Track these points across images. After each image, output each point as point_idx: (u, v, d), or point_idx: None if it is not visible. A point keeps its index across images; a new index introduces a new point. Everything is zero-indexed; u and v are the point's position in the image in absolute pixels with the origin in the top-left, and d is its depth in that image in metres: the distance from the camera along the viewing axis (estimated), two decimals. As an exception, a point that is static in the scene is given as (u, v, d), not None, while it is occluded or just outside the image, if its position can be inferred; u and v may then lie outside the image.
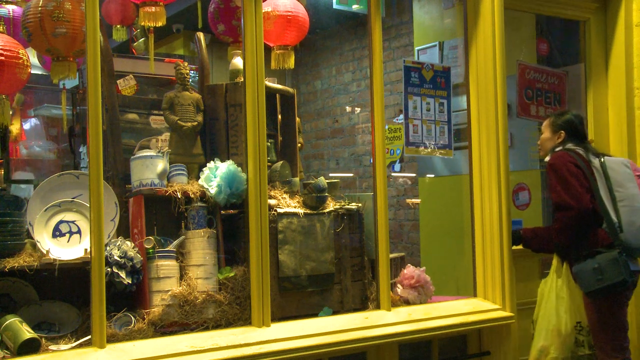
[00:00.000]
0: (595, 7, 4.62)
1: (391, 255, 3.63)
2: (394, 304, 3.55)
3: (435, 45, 4.97)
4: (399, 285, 3.69)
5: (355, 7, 4.38)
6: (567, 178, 3.45)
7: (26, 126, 4.77)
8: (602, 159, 3.61)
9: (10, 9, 3.70)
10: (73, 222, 2.95)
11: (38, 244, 2.88)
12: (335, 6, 4.33)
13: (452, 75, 4.06)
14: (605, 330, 3.43)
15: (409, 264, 3.80)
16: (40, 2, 3.09)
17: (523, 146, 4.61)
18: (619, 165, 3.61)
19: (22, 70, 3.08)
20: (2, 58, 2.98)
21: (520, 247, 3.84)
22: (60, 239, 2.91)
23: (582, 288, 3.42)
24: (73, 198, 3.00)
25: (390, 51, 6.43)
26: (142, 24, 3.25)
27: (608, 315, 3.44)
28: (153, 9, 3.20)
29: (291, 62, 3.80)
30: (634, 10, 4.51)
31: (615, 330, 3.44)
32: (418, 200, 5.33)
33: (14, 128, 4.07)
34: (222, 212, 3.32)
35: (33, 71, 3.40)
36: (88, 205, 2.80)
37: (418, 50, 5.10)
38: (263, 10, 3.28)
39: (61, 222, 2.93)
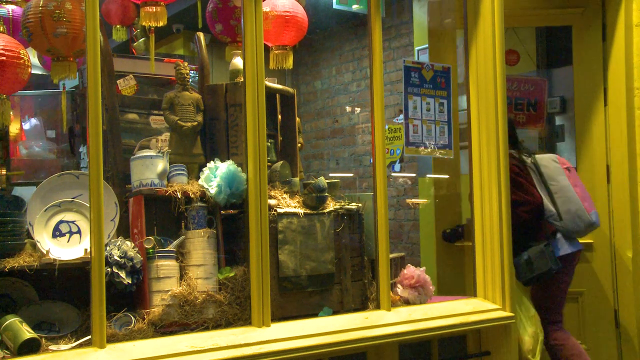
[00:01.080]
0: (596, 7, 4.62)
1: (391, 255, 3.63)
2: (394, 304, 3.55)
3: (435, 46, 4.97)
4: (399, 285, 3.69)
5: (355, 7, 4.39)
6: (515, 178, 3.97)
7: (26, 126, 4.77)
8: (534, 158, 4.16)
9: (10, 9, 3.70)
10: (73, 222, 2.96)
11: (38, 244, 2.88)
12: (335, 6, 4.34)
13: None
14: (544, 307, 4.09)
15: (409, 264, 3.80)
16: (41, 2, 3.09)
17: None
18: (548, 162, 4.17)
19: (23, 70, 3.08)
20: (4, 58, 2.99)
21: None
22: (60, 239, 2.91)
23: (518, 278, 3.97)
24: (73, 198, 3.00)
25: (390, 51, 6.44)
26: (143, 24, 3.25)
27: (544, 296, 4.11)
28: (154, 9, 3.20)
29: (290, 63, 3.80)
30: (634, 10, 4.51)
31: (552, 307, 4.12)
32: (421, 201, 5.33)
33: (14, 128, 4.07)
34: (222, 212, 3.32)
35: (33, 71, 3.40)
36: (88, 205, 2.80)
37: (418, 50, 5.10)
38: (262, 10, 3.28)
39: (61, 222, 2.93)
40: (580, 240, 4.23)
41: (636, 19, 4.52)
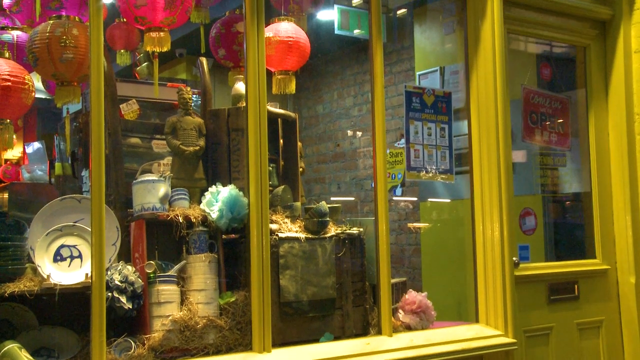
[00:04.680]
0: (595, 33, 4.66)
1: (393, 280, 3.62)
2: (396, 329, 3.53)
3: (436, 70, 5.01)
4: (400, 311, 3.67)
5: (356, 32, 4.42)
6: None
7: (29, 150, 4.79)
8: None
9: (15, 34, 3.73)
10: (74, 246, 2.95)
11: (39, 269, 2.87)
12: (337, 31, 4.37)
13: (453, 100, 4.08)
14: None
15: (410, 289, 3.79)
16: (48, 28, 3.12)
17: (527, 171, 4.62)
18: None
19: (27, 95, 3.10)
20: (9, 83, 3.01)
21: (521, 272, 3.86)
22: (61, 264, 2.91)
23: None
24: (75, 222, 3.00)
25: (392, 76, 6.48)
26: (147, 49, 3.27)
27: None
28: (158, 34, 3.23)
29: (292, 87, 3.82)
30: (633, 37, 4.55)
31: None
32: (422, 225, 5.33)
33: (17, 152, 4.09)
34: (224, 236, 3.32)
35: (37, 95, 3.42)
36: (90, 229, 2.80)
37: (419, 75, 5.13)
38: (265, 36, 3.31)
39: (62, 246, 2.93)
40: (596, 267, 4.12)
41: (635, 45, 4.56)
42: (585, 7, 4.59)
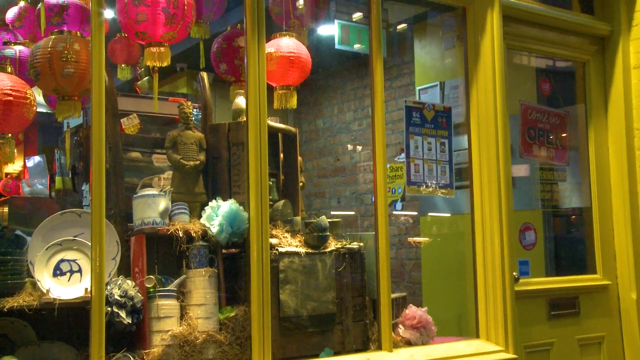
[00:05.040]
0: (595, 49, 4.68)
1: (393, 295, 3.61)
2: (396, 344, 3.52)
3: (436, 85, 5.03)
4: (400, 326, 3.66)
5: (357, 46, 4.44)
6: None
7: (29, 164, 4.80)
8: None
9: (17, 49, 3.75)
10: (74, 260, 2.94)
11: (38, 283, 2.86)
12: (337, 46, 4.38)
13: (453, 114, 4.10)
14: None
15: (410, 304, 3.78)
16: (50, 43, 3.14)
17: (527, 185, 4.62)
18: None
19: (29, 109, 3.11)
20: (11, 98, 3.02)
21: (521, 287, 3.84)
22: (61, 278, 2.90)
23: None
24: (75, 236, 2.99)
25: (392, 90, 6.50)
26: (147, 64, 3.28)
27: None
28: (158, 49, 3.24)
29: (293, 102, 3.83)
30: (631, 53, 4.57)
31: None
32: (422, 239, 5.32)
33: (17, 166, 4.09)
34: (224, 251, 3.32)
35: (37, 109, 3.43)
36: (89, 244, 2.80)
37: (419, 90, 5.15)
38: (266, 51, 3.33)
39: (62, 260, 2.92)
40: (596, 282, 4.11)
41: (634, 61, 4.58)
42: (584, 24, 4.62)
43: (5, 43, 3.88)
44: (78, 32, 3.29)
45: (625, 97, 4.55)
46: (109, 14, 3.44)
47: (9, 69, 3.17)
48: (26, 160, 4.76)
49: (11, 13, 4.03)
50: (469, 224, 4.02)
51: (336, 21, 4.28)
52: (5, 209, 3.65)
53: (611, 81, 4.64)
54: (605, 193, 4.61)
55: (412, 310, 3.69)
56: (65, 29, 3.34)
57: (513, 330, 3.72)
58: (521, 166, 4.48)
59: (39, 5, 3.54)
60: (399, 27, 5.42)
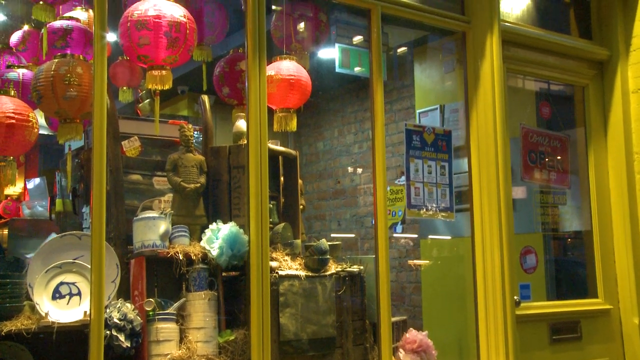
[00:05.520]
0: (594, 73, 4.71)
1: (393, 319, 3.59)
2: (396, 369, 3.49)
3: (436, 108, 5.04)
4: (401, 350, 3.63)
5: (357, 69, 4.46)
6: None
7: (29, 185, 4.80)
8: None
9: (21, 72, 3.77)
10: (73, 283, 2.93)
11: (37, 306, 2.85)
12: (337, 69, 4.41)
13: (453, 137, 4.11)
14: None
15: (411, 328, 3.75)
16: (53, 66, 3.16)
17: (527, 209, 4.62)
18: None
19: (30, 132, 3.13)
20: (13, 121, 3.04)
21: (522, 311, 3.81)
22: (60, 301, 2.89)
23: None
24: (74, 259, 2.99)
25: (392, 113, 6.52)
26: (149, 87, 3.30)
27: None
28: (160, 72, 3.26)
29: (293, 125, 3.84)
30: (630, 77, 4.60)
31: None
32: (423, 262, 5.30)
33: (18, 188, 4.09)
34: (224, 274, 3.31)
35: (39, 131, 3.44)
36: (89, 266, 2.79)
37: (419, 113, 5.16)
38: (267, 74, 3.35)
39: (61, 283, 2.91)
40: (598, 307, 4.07)
41: (632, 85, 4.61)
42: (583, 48, 4.66)
43: (8, 66, 3.91)
44: (81, 56, 3.32)
45: (624, 121, 4.57)
46: (111, 37, 3.47)
47: (12, 92, 3.19)
48: (27, 182, 4.76)
49: (15, 37, 4.06)
50: (470, 247, 4.02)
51: (337, 45, 4.30)
52: (5, 231, 3.65)
53: (610, 105, 4.67)
54: (605, 216, 4.60)
55: (412, 334, 3.67)
56: (68, 52, 3.37)
57: (514, 355, 3.69)
58: (518, 188, 4.48)
59: (43, 29, 3.57)
60: (399, 50, 5.45)
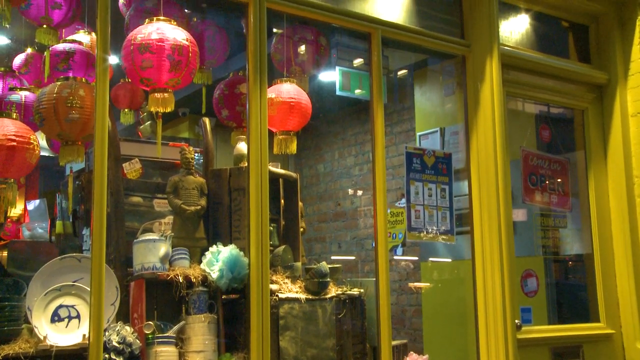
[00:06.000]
0: (593, 97, 4.73)
1: (393, 342, 3.57)
2: (397, 393, 3.47)
3: (436, 131, 5.05)
4: (402, 374, 3.61)
5: (357, 91, 4.49)
6: None
7: (30, 206, 4.79)
8: None
9: (23, 95, 3.79)
10: (72, 306, 2.92)
11: (35, 329, 2.83)
12: (338, 92, 4.44)
13: (454, 160, 4.11)
14: None
15: (411, 352, 3.73)
16: (56, 89, 3.18)
17: (528, 232, 4.61)
18: None
19: (31, 154, 3.13)
20: (14, 144, 3.04)
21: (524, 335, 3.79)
22: (59, 324, 2.87)
23: None
24: (74, 281, 2.98)
25: (392, 136, 6.54)
26: (151, 109, 3.32)
27: None
28: (162, 95, 3.27)
29: (293, 148, 3.85)
30: (629, 101, 4.63)
31: None
32: (423, 285, 5.28)
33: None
34: (224, 296, 3.29)
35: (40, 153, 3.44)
36: (89, 289, 2.78)
37: (420, 136, 5.18)
38: (267, 97, 3.36)
39: (60, 306, 2.90)
40: (600, 331, 4.04)
41: (631, 109, 4.63)
42: (582, 72, 4.68)
43: (11, 89, 3.93)
44: (83, 78, 3.33)
45: (624, 144, 4.58)
46: (113, 59, 3.49)
47: (14, 115, 3.20)
48: (27, 204, 4.76)
49: (18, 60, 4.10)
50: (470, 269, 4.00)
51: (337, 67, 4.33)
52: (5, 253, 3.63)
53: (610, 129, 4.68)
54: (606, 240, 4.59)
55: (413, 358, 3.64)
56: (70, 74, 3.39)
57: (516, 379, 3.67)
58: (519, 211, 4.48)
59: (46, 51, 3.60)
60: (399, 73, 5.48)
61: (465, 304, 4.29)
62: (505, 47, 4.28)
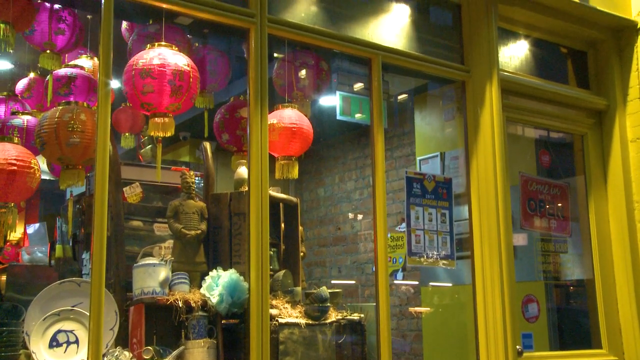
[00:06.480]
0: (592, 122, 4.75)
1: (394, 368, 3.54)
2: (398, 420, 3.43)
3: (436, 156, 5.06)
4: (402, 401, 3.58)
5: (358, 116, 4.51)
6: None
7: (29, 230, 4.78)
8: None
9: (25, 119, 3.81)
10: (71, 331, 2.90)
11: (33, 355, 2.81)
12: (338, 117, 4.46)
13: (454, 185, 4.12)
14: None
15: (412, 378, 3.70)
16: (57, 114, 3.20)
17: (529, 257, 4.60)
18: None
19: (32, 179, 3.14)
20: (15, 168, 3.05)
21: None
22: (57, 350, 2.85)
23: None
24: (73, 306, 2.96)
25: (393, 160, 6.55)
26: (152, 134, 3.33)
27: None
28: (163, 119, 3.29)
29: (295, 173, 3.86)
30: (628, 127, 4.65)
31: None
32: (424, 309, 5.25)
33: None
34: (223, 321, 3.27)
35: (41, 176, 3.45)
36: (88, 313, 2.76)
37: (420, 160, 5.19)
38: (268, 122, 3.38)
39: (59, 331, 2.88)
40: (602, 358, 4.00)
41: (631, 135, 4.65)
42: (581, 98, 4.71)
43: (13, 113, 3.95)
44: (85, 103, 3.35)
45: (624, 169, 4.59)
46: (114, 84, 3.51)
47: (16, 140, 3.22)
48: (27, 227, 4.75)
49: (21, 84, 4.13)
50: (471, 294, 3.98)
51: (338, 92, 4.35)
52: (3, 277, 3.62)
53: (609, 154, 4.69)
54: (607, 265, 4.58)
55: (414, 385, 3.61)
56: (72, 99, 3.41)
57: (518, 406, 3.63)
58: (519, 235, 4.48)
59: (48, 76, 3.62)
60: (399, 97, 5.51)
61: (466, 329, 4.27)
62: (505, 73, 4.31)
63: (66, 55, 3.95)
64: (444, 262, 3.92)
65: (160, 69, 3.16)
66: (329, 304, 3.44)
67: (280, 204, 3.78)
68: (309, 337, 3.30)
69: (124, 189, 3.69)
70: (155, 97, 3.18)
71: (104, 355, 2.83)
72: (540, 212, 4.53)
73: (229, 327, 3.33)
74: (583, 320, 4.84)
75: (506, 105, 4.22)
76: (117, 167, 3.42)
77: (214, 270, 3.30)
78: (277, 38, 3.59)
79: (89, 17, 3.88)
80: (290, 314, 3.33)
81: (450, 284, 4.86)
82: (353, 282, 6.80)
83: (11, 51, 3.20)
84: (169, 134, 3.34)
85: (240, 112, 4.00)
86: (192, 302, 3.15)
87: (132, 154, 4.91)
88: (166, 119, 3.29)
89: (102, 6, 2.92)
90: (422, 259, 3.85)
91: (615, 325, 4.49)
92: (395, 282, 6.10)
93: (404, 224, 4.13)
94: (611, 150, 4.68)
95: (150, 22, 3.67)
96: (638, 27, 4.72)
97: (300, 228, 3.91)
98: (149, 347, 3.01)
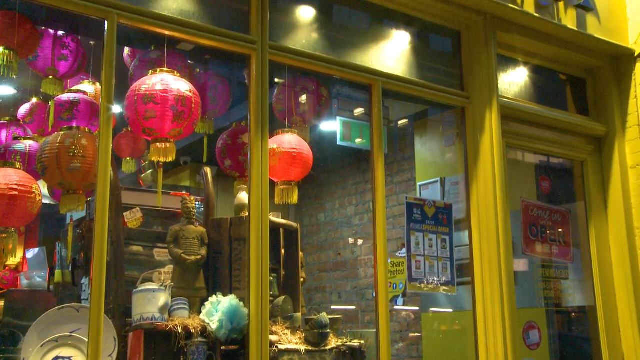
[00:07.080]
0: (592, 148, 4.77)
1: (395, 396, 3.51)
2: None
3: (437, 181, 5.07)
4: None
5: (358, 141, 4.53)
6: None
7: (29, 255, 4.77)
8: None
9: (27, 144, 3.83)
10: (69, 358, 2.88)
11: (30, 382, 2.79)
12: (338, 142, 4.47)
13: (454, 210, 4.11)
14: None
15: (413, 406, 3.67)
16: (59, 139, 3.21)
17: (529, 283, 4.58)
18: None
19: (33, 204, 3.14)
20: (16, 193, 3.06)
21: None
22: (55, 376, 2.83)
23: None
24: (72, 332, 2.94)
25: (393, 186, 6.55)
26: (153, 159, 3.34)
27: None
28: (164, 145, 3.30)
29: (295, 198, 3.86)
30: (628, 153, 4.66)
31: None
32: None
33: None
34: (223, 347, 3.25)
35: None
36: (86, 340, 2.74)
37: (420, 186, 5.19)
38: (269, 147, 3.39)
39: (57, 358, 2.85)
40: None
41: (630, 161, 4.66)
42: (580, 124, 4.73)
43: (15, 138, 3.96)
44: (86, 128, 3.37)
45: (624, 196, 4.59)
46: (115, 109, 3.53)
47: (18, 165, 3.23)
48: (26, 252, 4.74)
49: (23, 109, 4.15)
50: (471, 321, 3.96)
51: (338, 118, 4.38)
52: (1, 303, 3.60)
53: (609, 180, 4.70)
54: (609, 292, 4.56)
55: (414, 413, 3.57)
56: (74, 124, 3.42)
57: None
58: (520, 261, 4.46)
59: (51, 101, 3.64)
60: (400, 123, 5.53)
61: (466, 356, 4.24)
62: (505, 99, 4.33)
63: (68, 80, 3.98)
64: (445, 288, 3.90)
65: (163, 94, 3.18)
66: (329, 330, 3.41)
67: (281, 230, 3.77)
68: (308, 364, 3.28)
69: (125, 213, 3.68)
70: (158, 123, 3.20)
71: (102, 382, 2.80)
72: (542, 237, 4.53)
73: (229, 353, 3.30)
74: (585, 347, 4.80)
75: (506, 131, 4.24)
76: (117, 192, 3.42)
77: (214, 296, 3.28)
78: (277, 64, 3.62)
79: (91, 43, 3.92)
80: (290, 340, 3.30)
81: (450, 310, 4.83)
82: (353, 307, 6.76)
83: (14, 77, 3.22)
84: (170, 159, 3.36)
85: (243, 137, 4.01)
86: (191, 328, 3.13)
87: (132, 179, 4.91)
88: (168, 144, 3.31)
89: (105, 32, 2.95)
90: (422, 285, 3.84)
91: (618, 353, 4.46)
92: (396, 307, 6.07)
93: (404, 250, 4.13)
94: (611, 177, 4.69)
95: (152, 48, 3.70)
96: (636, 54, 4.76)
97: (301, 253, 3.90)
98: (147, 374, 2.98)
